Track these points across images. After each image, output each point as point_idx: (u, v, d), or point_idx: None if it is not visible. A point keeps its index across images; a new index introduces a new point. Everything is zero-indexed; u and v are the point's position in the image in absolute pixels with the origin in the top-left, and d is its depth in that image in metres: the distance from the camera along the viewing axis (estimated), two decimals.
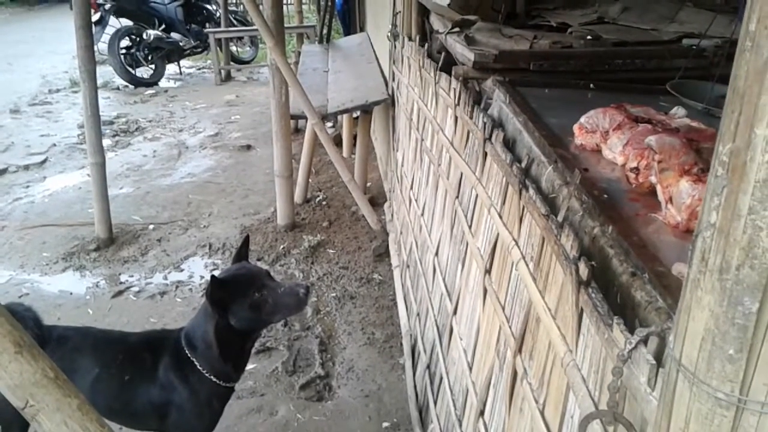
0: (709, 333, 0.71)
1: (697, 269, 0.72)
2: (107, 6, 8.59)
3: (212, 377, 2.07)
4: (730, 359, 0.69)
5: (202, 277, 3.95)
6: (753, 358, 0.69)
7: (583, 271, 1.16)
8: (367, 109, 4.70)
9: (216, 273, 1.98)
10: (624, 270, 1.22)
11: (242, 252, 2.20)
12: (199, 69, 10.39)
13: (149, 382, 2.09)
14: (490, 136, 1.99)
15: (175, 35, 9.42)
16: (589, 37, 2.90)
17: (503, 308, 1.73)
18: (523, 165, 1.70)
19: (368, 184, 5.18)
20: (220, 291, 1.95)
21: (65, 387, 0.91)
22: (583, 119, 1.87)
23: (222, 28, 9.49)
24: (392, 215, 4.36)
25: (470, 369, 2.03)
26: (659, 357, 0.90)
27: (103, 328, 2.44)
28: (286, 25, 5.88)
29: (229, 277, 2.05)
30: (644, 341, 0.93)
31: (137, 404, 2.10)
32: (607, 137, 1.77)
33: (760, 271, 0.66)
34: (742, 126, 0.65)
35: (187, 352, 2.07)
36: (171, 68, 9.76)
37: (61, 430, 0.88)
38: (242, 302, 1.98)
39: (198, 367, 2.06)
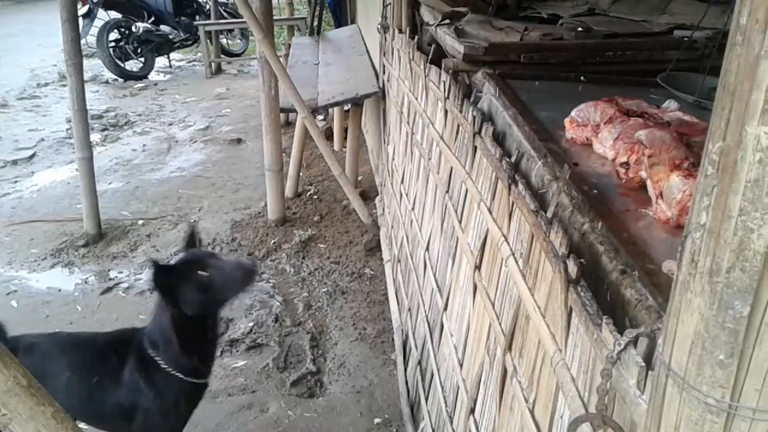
0: (699, 337, 0.69)
1: (687, 271, 0.70)
2: None
3: (177, 373, 2.02)
4: (721, 364, 0.67)
5: None
6: (744, 363, 0.67)
7: (572, 269, 1.14)
8: (357, 102, 4.66)
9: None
10: (614, 267, 1.20)
11: (190, 241, 2.14)
12: (189, 62, 10.31)
13: (116, 383, 2.04)
14: (480, 129, 1.96)
15: (164, 28, 9.32)
16: (579, 28, 2.88)
17: (493, 305, 1.71)
18: (513, 159, 1.68)
19: (359, 178, 5.15)
20: (163, 277, 1.89)
21: (39, 395, 0.88)
22: (573, 113, 1.85)
23: (212, 21, 9.41)
24: (383, 209, 4.33)
25: (461, 366, 2.01)
26: (649, 358, 0.88)
27: (73, 332, 2.39)
28: (276, 17, 5.85)
29: (172, 263, 1.99)
30: (633, 342, 0.91)
31: (107, 407, 2.06)
32: (598, 131, 1.74)
33: (751, 273, 0.63)
34: (732, 123, 0.62)
35: (149, 351, 2.02)
36: (161, 61, 9.68)
37: None
38: (189, 285, 1.92)
39: (162, 365, 2.01)
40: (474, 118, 2.02)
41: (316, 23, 7.91)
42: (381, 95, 4.60)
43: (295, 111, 4.35)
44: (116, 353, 2.08)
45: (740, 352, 0.66)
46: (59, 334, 2.26)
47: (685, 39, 2.52)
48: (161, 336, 2.01)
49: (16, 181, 5.41)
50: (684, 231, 0.71)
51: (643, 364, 0.87)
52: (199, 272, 1.93)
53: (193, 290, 1.93)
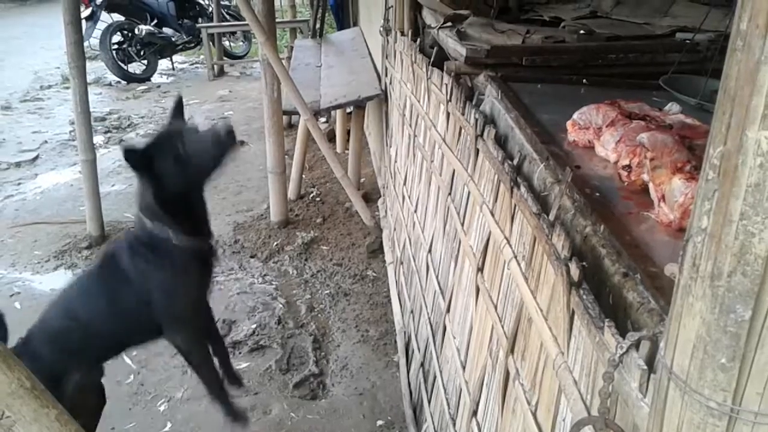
0: (700, 341, 0.69)
1: (688, 275, 0.70)
2: (99, 1, 8.51)
3: (175, 237, 1.98)
4: (723, 368, 0.68)
5: None
6: (746, 366, 0.67)
7: (574, 271, 1.14)
8: (360, 105, 4.67)
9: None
10: (616, 270, 1.20)
11: (177, 111, 2.09)
12: (192, 64, 10.32)
13: (125, 284, 2.03)
14: (482, 132, 1.97)
15: (167, 30, 9.35)
16: (582, 31, 2.88)
17: (495, 307, 1.71)
18: (515, 162, 1.68)
19: (362, 180, 5.15)
20: (138, 157, 1.87)
21: (42, 397, 0.88)
22: (576, 115, 1.85)
23: (214, 23, 9.42)
24: (386, 211, 4.33)
25: (463, 368, 2.02)
26: (651, 362, 0.88)
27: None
28: (278, 20, 5.86)
29: (145, 143, 1.95)
30: (635, 345, 0.91)
31: (131, 312, 2.06)
32: (600, 134, 1.75)
33: (752, 278, 0.64)
34: (733, 128, 0.63)
35: (140, 231, 1.99)
36: (163, 64, 9.69)
37: None
38: (165, 160, 1.89)
39: (158, 234, 1.97)
40: (476, 120, 2.02)
41: (318, 26, 7.93)
42: (383, 98, 4.60)
43: (297, 113, 4.36)
44: (111, 263, 2.07)
45: (742, 356, 0.66)
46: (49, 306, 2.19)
47: (687, 42, 2.52)
48: (148, 212, 1.98)
49: (19, 183, 5.42)
50: (685, 235, 0.72)
51: (645, 367, 0.88)
52: (176, 145, 1.90)
53: (170, 165, 1.89)
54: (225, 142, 1.95)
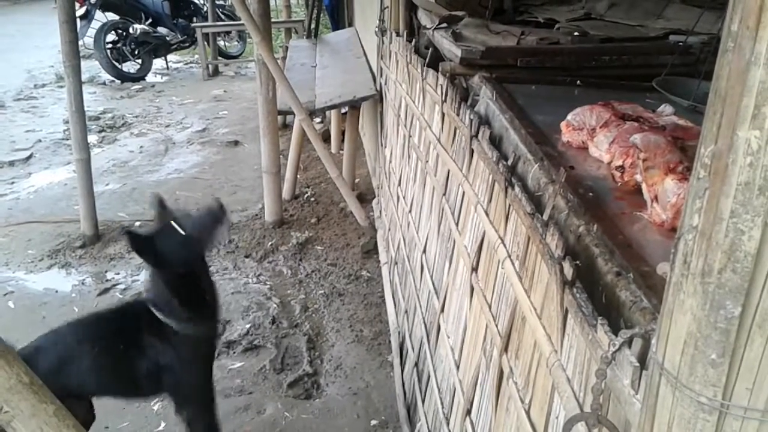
0: (691, 337, 0.70)
1: (680, 272, 0.71)
2: (93, 0, 8.50)
3: (186, 329, 2.10)
4: (713, 363, 0.69)
5: None
6: (736, 362, 0.68)
7: (568, 270, 1.16)
8: (355, 105, 4.68)
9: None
10: (609, 269, 1.21)
11: (161, 210, 2.18)
12: (187, 64, 10.31)
13: (138, 350, 2.12)
14: (477, 133, 1.98)
15: (161, 30, 9.33)
16: (576, 33, 2.90)
17: (490, 306, 1.72)
18: (510, 163, 1.69)
19: (356, 181, 5.16)
20: (144, 244, 1.98)
21: (41, 393, 0.89)
22: (570, 116, 1.86)
23: (209, 23, 9.42)
24: (380, 212, 4.34)
25: (457, 367, 2.03)
26: (643, 359, 0.89)
27: (72, 320, 2.38)
28: (273, 20, 5.85)
29: (148, 232, 2.07)
30: (628, 343, 0.92)
31: (136, 374, 2.13)
32: (593, 135, 1.76)
33: (742, 274, 0.65)
34: (724, 128, 0.64)
35: (158, 316, 2.08)
36: (158, 63, 9.66)
37: None
38: (170, 245, 2.00)
39: (171, 324, 2.08)
40: (471, 121, 2.03)
41: (313, 26, 7.94)
42: (378, 98, 4.61)
43: (292, 113, 4.37)
44: (128, 323, 2.16)
45: (732, 352, 0.68)
46: (61, 327, 2.24)
47: (680, 44, 2.54)
48: (161, 299, 2.08)
49: (13, 182, 5.40)
50: (677, 233, 0.73)
51: (637, 364, 0.89)
52: (175, 227, 2.00)
53: (175, 247, 2.00)
54: (220, 217, 2.10)
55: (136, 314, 2.15)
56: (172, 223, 2.02)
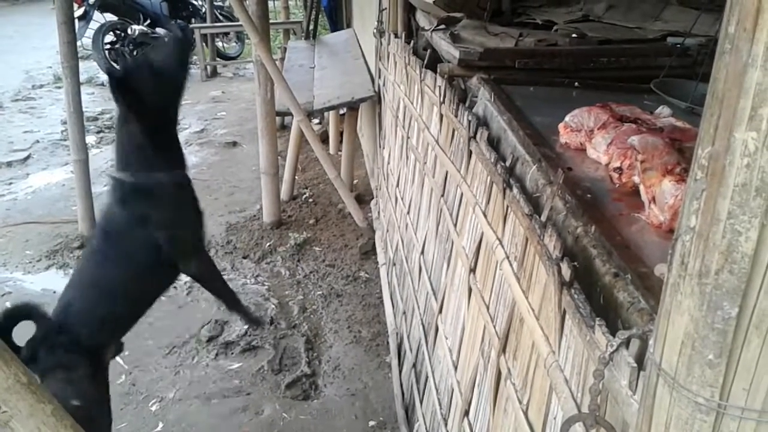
0: (688, 337, 0.70)
1: (677, 273, 0.72)
2: (91, 1, 8.49)
3: (163, 175, 2.04)
4: (710, 364, 0.69)
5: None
6: (733, 363, 0.68)
7: (566, 271, 1.16)
8: (353, 106, 4.68)
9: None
10: (607, 271, 1.21)
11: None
12: None
13: (132, 223, 2.06)
14: (475, 134, 1.98)
15: (160, 30, 9.32)
16: (574, 35, 2.90)
17: (488, 307, 1.73)
18: (508, 164, 1.70)
19: (355, 182, 5.16)
20: (122, 81, 1.92)
21: (39, 393, 0.89)
22: (568, 118, 1.86)
23: (207, 24, 9.42)
24: (379, 213, 4.34)
25: (455, 368, 2.03)
26: (641, 360, 0.89)
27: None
28: (272, 21, 5.85)
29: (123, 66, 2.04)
30: (625, 344, 0.92)
31: (137, 258, 2.09)
32: (591, 136, 1.76)
33: (739, 275, 0.65)
34: (721, 129, 0.64)
35: (125, 177, 2.02)
36: None
37: None
38: (145, 75, 1.94)
39: (139, 179, 2.02)
40: (469, 122, 2.04)
41: (312, 27, 7.93)
42: (377, 99, 4.62)
43: (290, 114, 4.37)
44: (111, 227, 2.11)
45: (729, 352, 0.68)
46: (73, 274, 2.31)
47: (678, 46, 2.55)
48: (132, 147, 2.01)
49: (10, 183, 5.40)
50: (674, 234, 0.73)
51: (635, 364, 0.89)
52: (149, 63, 1.98)
53: (149, 80, 1.95)
54: (185, 38, 2.05)
55: (119, 197, 2.07)
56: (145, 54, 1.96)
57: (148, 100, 1.96)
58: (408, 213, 3.15)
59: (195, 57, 9.72)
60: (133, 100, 1.94)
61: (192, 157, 6.08)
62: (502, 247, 1.62)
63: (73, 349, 1.99)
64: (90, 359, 2.03)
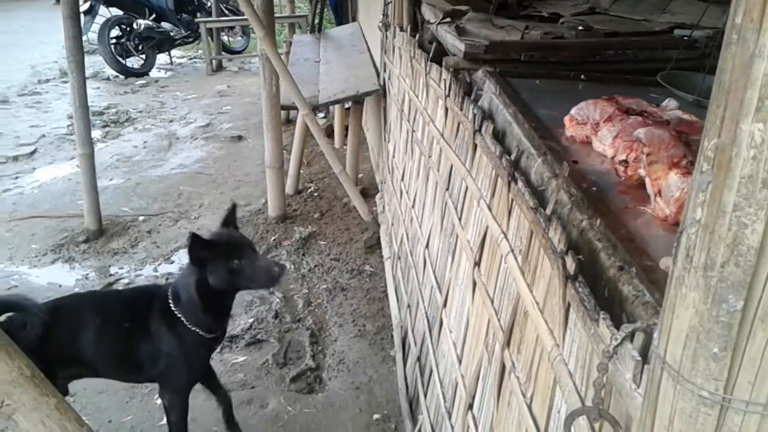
0: (693, 331, 0.70)
1: (682, 266, 0.71)
2: None
3: (195, 328, 2.20)
4: (715, 357, 0.68)
5: None
6: (738, 356, 0.68)
7: (571, 265, 1.15)
8: (358, 100, 4.67)
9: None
10: (612, 264, 1.21)
11: (229, 218, 2.31)
12: (190, 59, 10.31)
13: (143, 331, 2.23)
14: (480, 127, 1.97)
15: (165, 25, 9.33)
16: (580, 27, 2.89)
17: (492, 301, 1.72)
18: (513, 157, 1.69)
19: (360, 176, 5.16)
20: (199, 250, 2.06)
21: (42, 386, 0.89)
22: (573, 111, 1.85)
23: (213, 18, 9.40)
24: (384, 206, 4.34)
25: (459, 362, 2.03)
26: (645, 353, 0.89)
27: (97, 291, 2.53)
28: (277, 15, 5.85)
29: (211, 239, 2.16)
30: (630, 337, 0.92)
31: (135, 352, 2.24)
32: (597, 129, 1.75)
33: (745, 268, 0.65)
34: (727, 121, 0.63)
35: (173, 306, 2.19)
36: (162, 58, 9.68)
37: (38, 429, 0.86)
38: (221, 265, 2.11)
39: (182, 320, 2.19)
40: (474, 116, 2.03)
41: (317, 21, 7.93)
42: (382, 93, 4.61)
43: (296, 108, 4.37)
44: (142, 305, 2.26)
45: (734, 346, 0.67)
46: (84, 294, 2.41)
47: (685, 38, 2.53)
48: (185, 294, 2.18)
49: (17, 177, 5.42)
50: (680, 227, 0.73)
51: (639, 358, 0.88)
52: (234, 260, 2.11)
53: (223, 271, 2.11)
54: (273, 280, 2.17)
55: (153, 298, 2.25)
56: (234, 259, 2.10)
57: (211, 280, 2.12)
58: (413, 207, 3.14)
59: (200, 51, 9.74)
60: (201, 270, 2.11)
61: (197, 151, 6.09)
62: (507, 240, 1.62)
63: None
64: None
